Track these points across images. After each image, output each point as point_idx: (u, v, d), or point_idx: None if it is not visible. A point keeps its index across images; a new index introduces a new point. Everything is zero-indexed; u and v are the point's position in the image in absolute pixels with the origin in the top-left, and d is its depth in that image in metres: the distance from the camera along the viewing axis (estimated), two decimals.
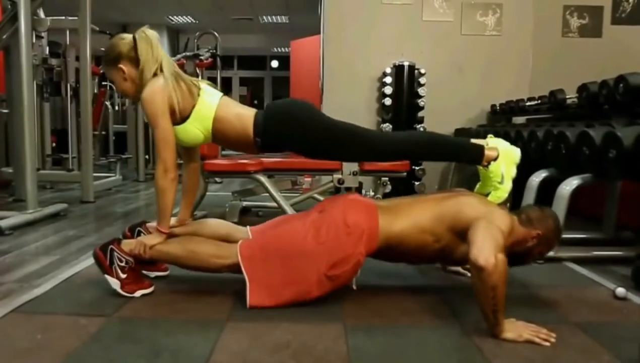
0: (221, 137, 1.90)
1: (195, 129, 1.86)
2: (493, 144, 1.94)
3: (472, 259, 1.51)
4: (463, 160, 2.12)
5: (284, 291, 1.73)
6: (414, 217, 1.79)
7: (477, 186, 2.05)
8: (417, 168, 4.18)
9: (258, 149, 1.94)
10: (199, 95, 1.86)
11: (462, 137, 3.82)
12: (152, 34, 1.87)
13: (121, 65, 1.85)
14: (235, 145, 2.00)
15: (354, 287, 1.89)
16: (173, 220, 2.05)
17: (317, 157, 2.00)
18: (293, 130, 1.88)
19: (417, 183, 4.21)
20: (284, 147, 1.98)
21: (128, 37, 1.87)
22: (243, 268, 1.74)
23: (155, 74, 1.83)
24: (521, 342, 1.49)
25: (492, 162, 1.91)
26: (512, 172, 1.93)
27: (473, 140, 1.97)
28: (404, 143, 1.95)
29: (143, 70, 1.83)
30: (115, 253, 1.83)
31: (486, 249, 1.51)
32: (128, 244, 1.86)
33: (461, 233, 1.71)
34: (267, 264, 1.75)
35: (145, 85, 1.82)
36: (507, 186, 1.93)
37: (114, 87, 1.94)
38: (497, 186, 1.92)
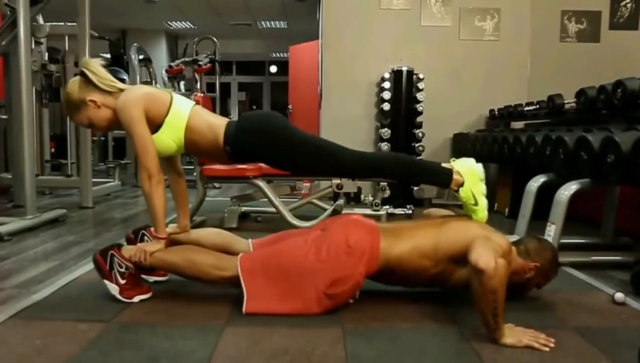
0: (193, 146, 1.91)
1: (168, 139, 1.86)
2: (457, 167, 1.94)
3: (472, 262, 1.53)
4: (433, 182, 2.08)
5: (281, 306, 1.73)
6: (414, 242, 1.79)
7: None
8: None
9: (228, 158, 1.94)
10: (170, 104, 1.86)
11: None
12: (95, 61, 1.90)
13: (89, 98, 1.85)
14: (206, 155, 2.00)
15: (350, 301, 1.87)
16: (174, 227, 2.08)
17: (288, 169, 2.00)
18: (265, 141, 1.88)
19: (415, 188, 4.20)
20: (253, 157, 2.00)
21: (76, 78, 1.90)
22: (242, 282, 1.74)
23: (121, 90, 1.87)
24: (520, 347, 1.49)
25: (460, 188, 1.91)
26: (481, 189, 1.93)
27: (443, 164, 1.96)
28: (375, 159, 1.95)
29: (110, 89, 1.86)
30: (116, 259, 1.83)
31: (486, 253, 1.53)
32: (128, 250, 1.86)
33: (459, 258, 1.71)
34: (267, 279, 1.74)
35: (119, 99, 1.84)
36: (482, 204, 1.92)
37: (94, 128, 1.96)
38: (474, 208, 1.91)
